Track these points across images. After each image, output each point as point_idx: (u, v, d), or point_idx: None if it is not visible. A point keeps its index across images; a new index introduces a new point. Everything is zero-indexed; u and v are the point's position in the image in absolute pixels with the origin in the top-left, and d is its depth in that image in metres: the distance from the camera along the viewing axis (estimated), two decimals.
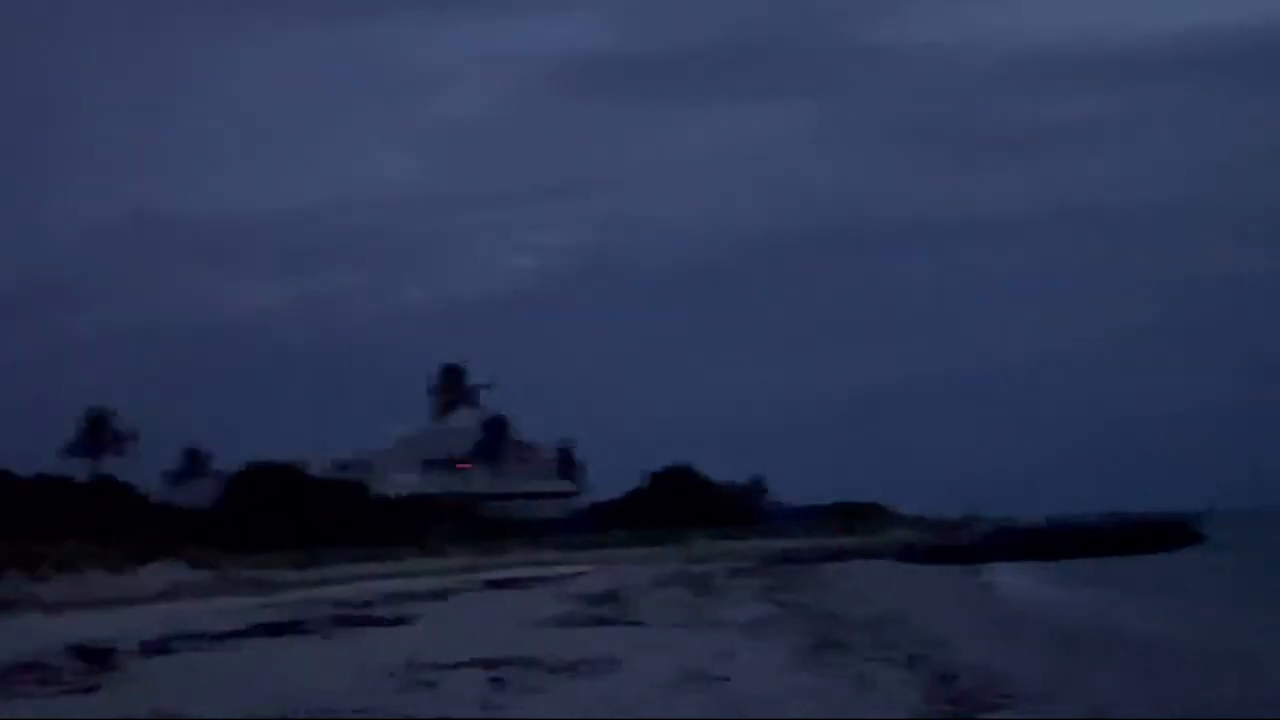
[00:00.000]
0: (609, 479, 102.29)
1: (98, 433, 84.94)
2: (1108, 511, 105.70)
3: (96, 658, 22.56)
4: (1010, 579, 54.72)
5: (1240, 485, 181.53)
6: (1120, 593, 43.93)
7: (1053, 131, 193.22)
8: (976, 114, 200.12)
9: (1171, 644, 25.11)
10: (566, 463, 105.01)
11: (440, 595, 38.86)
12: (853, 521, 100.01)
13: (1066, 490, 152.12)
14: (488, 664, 19.32)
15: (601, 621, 28.41)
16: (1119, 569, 63.12)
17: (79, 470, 77.87)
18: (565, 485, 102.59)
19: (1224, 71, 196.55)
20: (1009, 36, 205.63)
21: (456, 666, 19.05)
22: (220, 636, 25.99)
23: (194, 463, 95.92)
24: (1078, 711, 15.81)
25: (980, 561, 70.48)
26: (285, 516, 68.64)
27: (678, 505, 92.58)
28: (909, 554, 75.52)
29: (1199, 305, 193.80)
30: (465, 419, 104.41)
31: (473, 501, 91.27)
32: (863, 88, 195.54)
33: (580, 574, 51.97)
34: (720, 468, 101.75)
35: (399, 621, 28.57)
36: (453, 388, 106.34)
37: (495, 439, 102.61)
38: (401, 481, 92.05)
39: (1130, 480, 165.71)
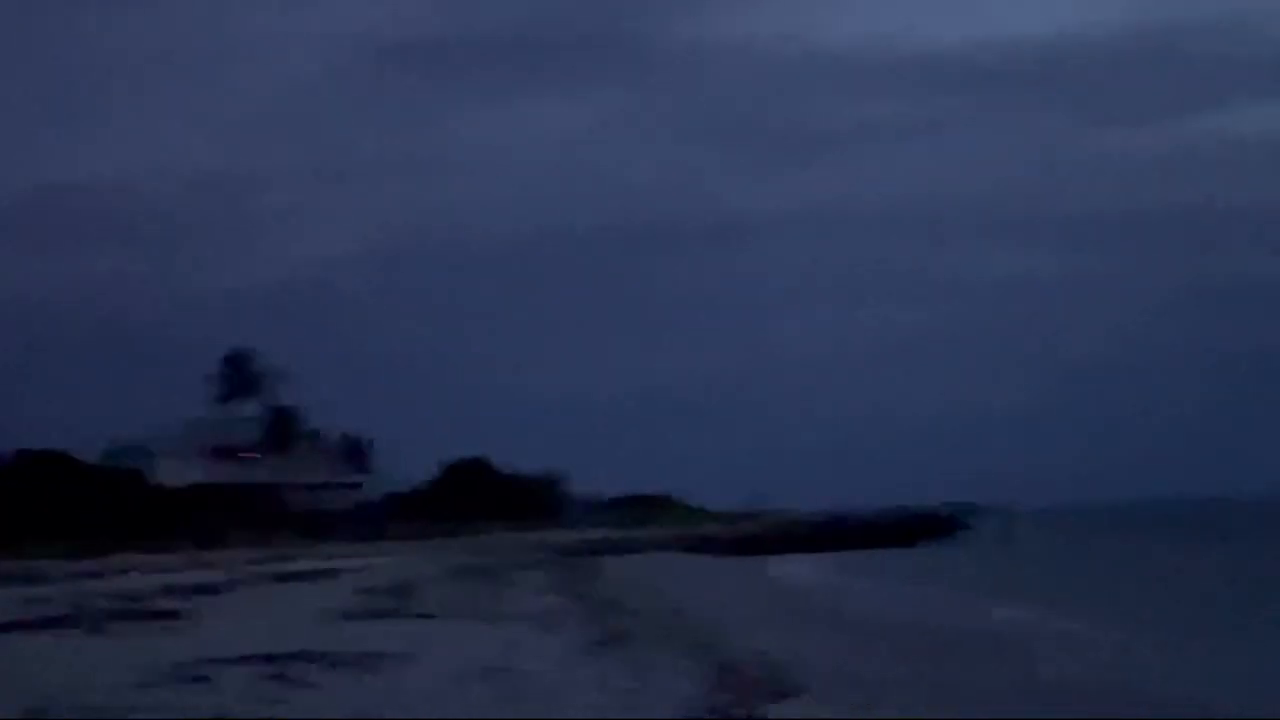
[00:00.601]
0: (402, 470, 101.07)
1: None
2: (883, 505, 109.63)
3: None
4: (791, 569, 56.30)
5: (1010, 482, 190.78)
6: (895, 582, 45.70)
7: (852, 133, 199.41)
8: (778, 113, 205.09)
9: (937, 629, 26.27)
10: (358, 453, 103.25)
11: (221, 588, 37.75)
12: (646, 514, 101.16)
13: (846, 484, 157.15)
14: (268, 658, 18.86)
15: (390, 614, 28.06)
16: (892, 560, 65.63)
17: None
18: (356, 476, 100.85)
19: (1014, 81, 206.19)
20: (810, 37, 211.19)
21: (235, 661, 18.54)
22: None
23: None
24: (857, 698, 16.38)
25: (766, 553, 72.32)
26: (56, 506, 65.62)
27: (472, 497, 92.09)
28: (699, 546, 76.91)
29: (982, 307, 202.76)
30: (252, 407, 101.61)
31: (258, 492, 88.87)
32: (668, 83, 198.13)
33: (370, 566, 51.22)
34: (516, 459, 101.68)
35: (175, 615, 27.64)
36: (239, 375, 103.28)
37: (283, 428, 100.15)
38: (182, 471, 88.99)
39: (903, 475, 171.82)
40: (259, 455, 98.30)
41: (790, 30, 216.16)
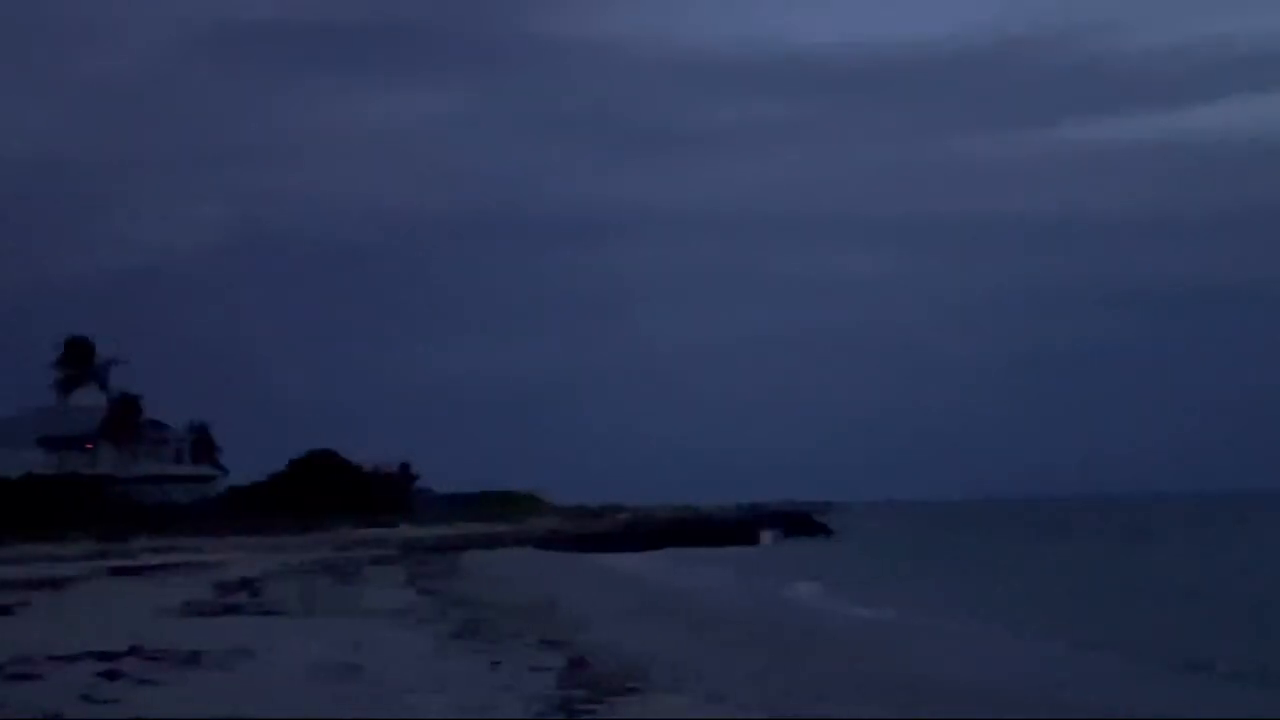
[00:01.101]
0: (250, 463, 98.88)
1: None
2: (737, 501, 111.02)
3: None
4: (645, 565, 56.62)
5: (872, 477, 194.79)
6: (747, 577, 46.29)
7: (710, 133, 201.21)
8: (636, 111, 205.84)
9: (786, 623, 26.68)
10: (203, 445, 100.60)
11: (57, 583, 36.39)
12: (502, 509, 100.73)
13: (701, 480, 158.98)
14: (103, 655, 18.21)
15: (233, 610, 27.37)
16: (747, 556, 66.50)
17: None
18: (201, 469, 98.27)
19: (869, 86, 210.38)
20: (671, 37, 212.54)
21: (68, 658, 17.85)
22: None
23: None
24: (706, 690, 16.48)
25: (621, 549, 72.61)
26: None
27: (322, 490, 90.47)
28: (555, 542, 76.85)
29: (832, 306, 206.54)
30: (92, 396, 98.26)
31: (98, 483, 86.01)
32: (524, 76, 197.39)
33: (214, 561, 49.91)
34: (369, 452, 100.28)
35: (7, 611, 26.54)
36: (79, 363, 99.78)
37: (124, 418, 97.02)
38: (18, 461, 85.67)
39: (758, 471, 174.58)
40: (99, 446, 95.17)
41: (652, 29, 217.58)
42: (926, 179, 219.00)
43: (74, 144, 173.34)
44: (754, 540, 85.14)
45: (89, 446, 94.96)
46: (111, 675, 16.55)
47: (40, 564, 47.42)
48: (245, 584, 35.69)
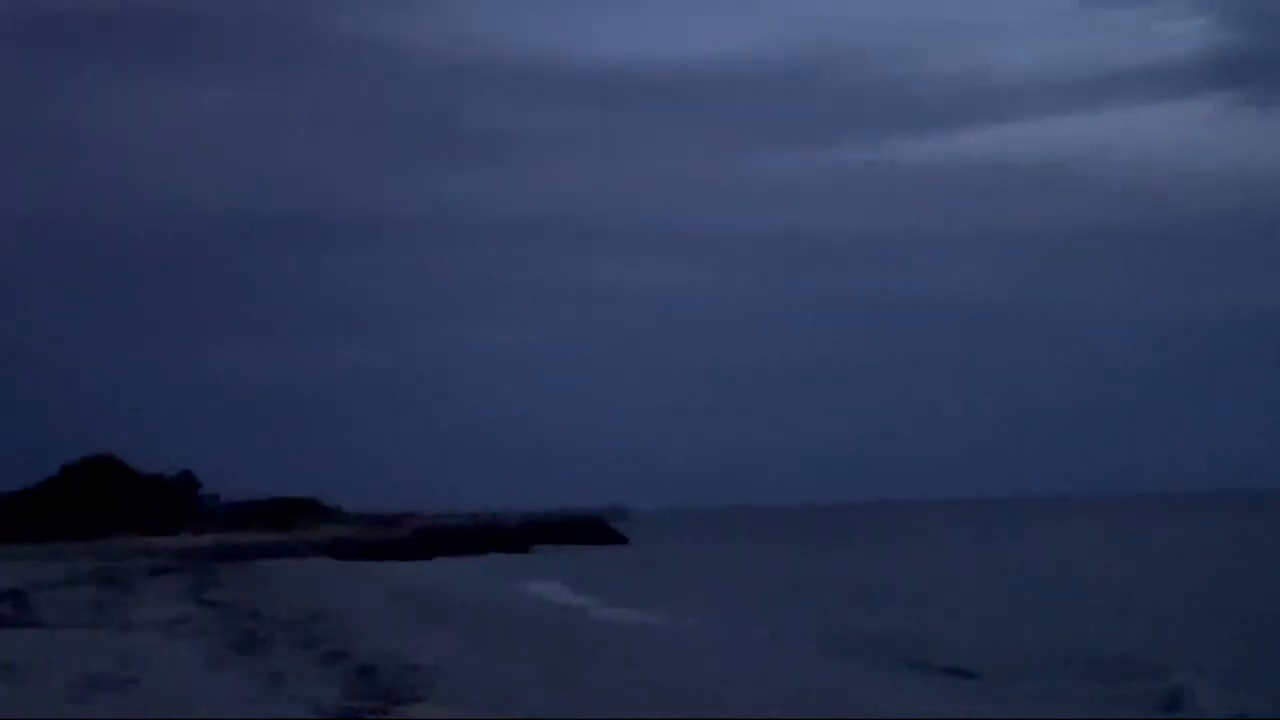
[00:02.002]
0: (19, 469, 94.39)
1: None
2: (534, 508, 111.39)
3: None
4: (436, 572, 56.41)
5: (662, 484, 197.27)
6: (536, 583, 46.67)
7: (512, 140, 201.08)
8: (430, 114, 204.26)
9: (573, 630, 27.14)
10: None
11: None
12: (290, 517, 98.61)
13: (495, 487, 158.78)
14: None
15: None
16: (539, 562, 66.90)
17: None
18: None
19: (678, 100, 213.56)
20: (479, 44, 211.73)
21: None
22: None
23: None
24: (488, 698, 16.75)
25: (411, 557, 72.06)
26: None
27: (97, 498, 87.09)
28: (346, 550, 75.73)
29: (636, 316, 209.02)
30: None
31: None
32: (316, 75, 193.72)
33: None
34: (151, 459, 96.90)
35: None
36: None
37: None
38: None
39: (555, 478, 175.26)
40: None
41: (453, 33, 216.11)
42: (723, 193, 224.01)
43: None
44: (556, 545, 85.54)
45: None
46: None
47: None
48: (10, 594, 34.29)
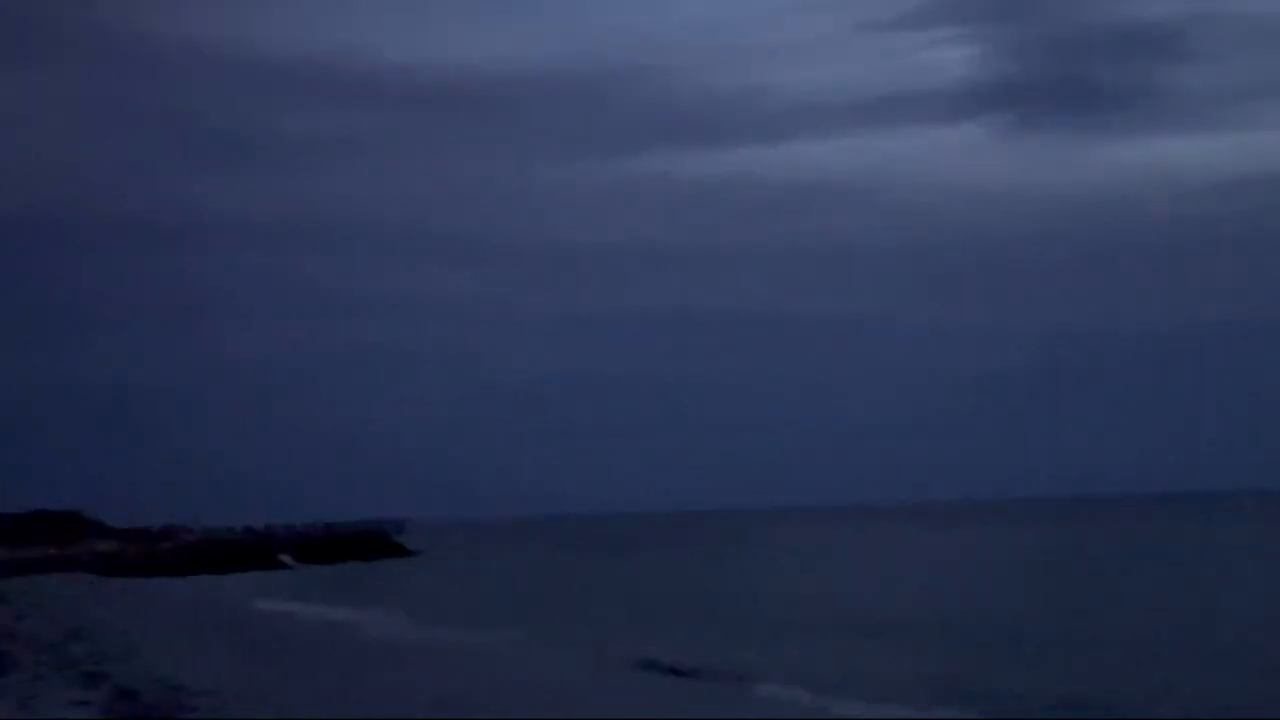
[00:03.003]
0: None
1: None
2: (314, 520, 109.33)
3: None
4: (210, 589, 54.93)
5: (447, 495, 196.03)
6: (311, 599, 46.00)
7: (280, 142, 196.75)
8: (210, 113, 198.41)
9: (348, 643, 26.95)
10: None
11: None
12: (49, 531, 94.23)
13: (274, 500, 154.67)
14: None
15: None
16: (316, 577, 65.78)
17: None
18: None
19: (456, 107, 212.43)
20: (254, 41, 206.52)
21: None
22: None
23: None
24: (257, 714, 16.59)
25: (185, 573, 69.88)
26: None
27: None
28: (108, 566, 72.91)
29: (422, 325, 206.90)
30: None
31: None
32: (94, 70, 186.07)
33: None
34: None
35: None
36: None
37: None
38: None
39: (337, 489, 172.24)
40: None
41: (235, 33, 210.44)
42: (508, 202, 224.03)
43: None
44: (335, 559, 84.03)
45: None
46: None
47: None
48: None
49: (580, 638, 28.86)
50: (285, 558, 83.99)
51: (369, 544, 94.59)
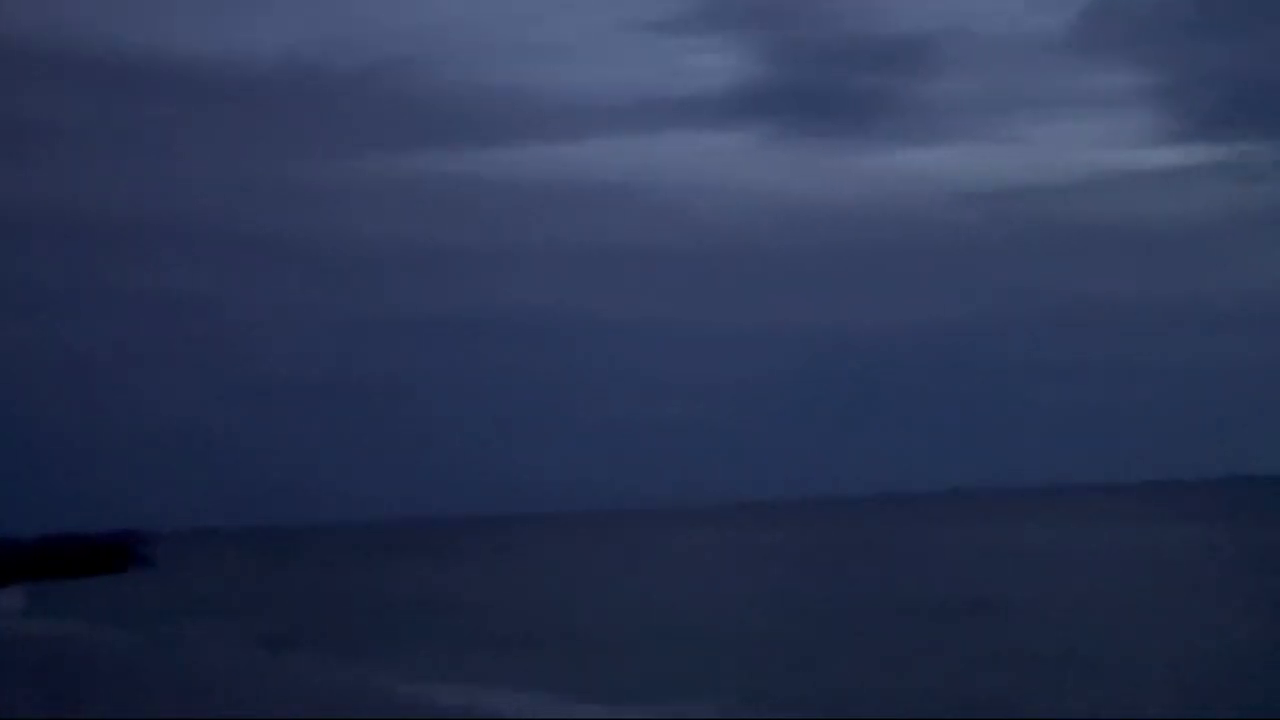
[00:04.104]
0: None
1: None
2: (45, 530, 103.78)
3: None
4: None
5: (196, 503, 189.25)
6: (59, 617, 43.98)
7: (26, 130, 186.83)
8: None
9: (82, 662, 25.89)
10: None
11: None
12: None
13: (11, 506, 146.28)
14: None
15: None
16: (59, 590, 62.75)
17: None
18: None
19: (202, 96, 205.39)
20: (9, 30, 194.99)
21: None
22: None
23: None
24: None
25: None
26: None
27: None
28: None
29: (148, 322, 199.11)
30: None
31: None
32: None
33: None
34: None
35: None
36: None
37: None
38: None
39: (80, 496, 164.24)
40: None
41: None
42: (270, 196, 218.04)
43: None
44: (66, 573, 79.96)
45: None
46: None
47: None
48: None
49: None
50: None
51: (104, 555, 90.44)
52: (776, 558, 65.09)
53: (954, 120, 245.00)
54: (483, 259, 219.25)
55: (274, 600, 49.83)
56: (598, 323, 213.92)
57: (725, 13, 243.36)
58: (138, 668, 25.90)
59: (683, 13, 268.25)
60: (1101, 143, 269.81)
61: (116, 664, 26.71)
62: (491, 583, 55.12)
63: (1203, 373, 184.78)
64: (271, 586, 60.70)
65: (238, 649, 28.98)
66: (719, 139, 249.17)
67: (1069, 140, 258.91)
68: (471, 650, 27.23)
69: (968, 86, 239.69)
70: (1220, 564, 43.48)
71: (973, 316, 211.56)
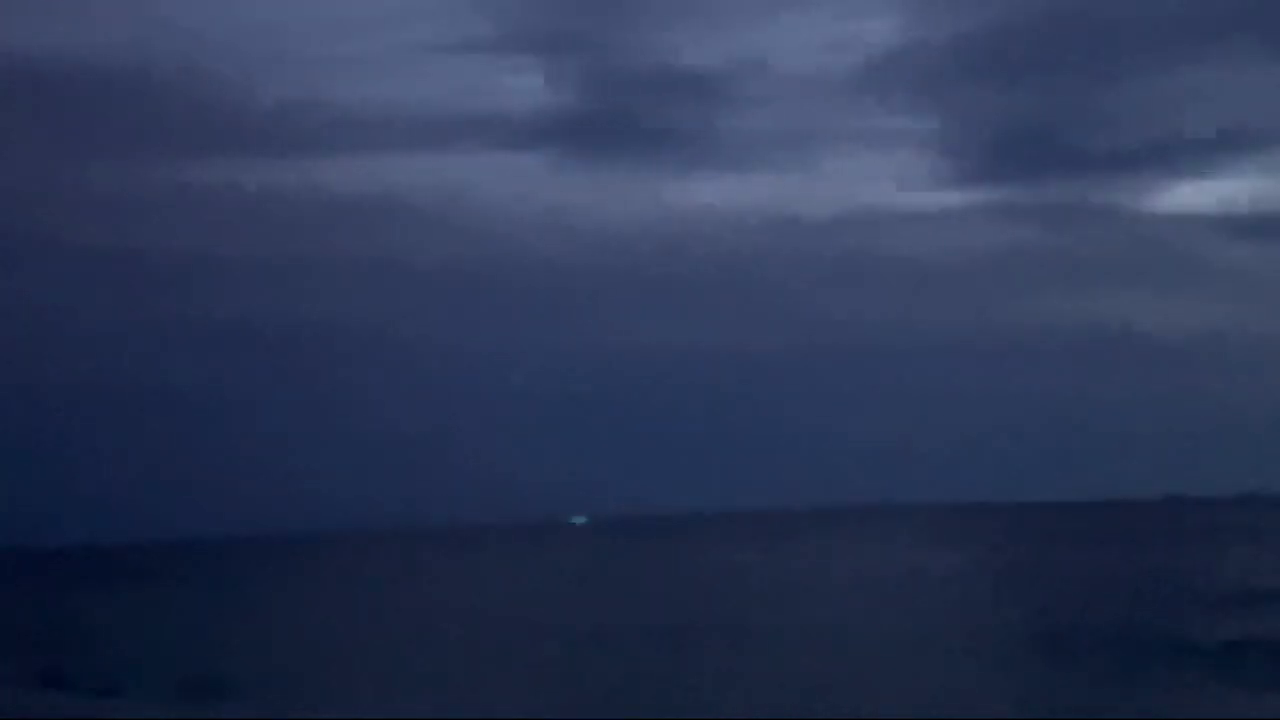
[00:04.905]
0: None
1: None
2: None
3: None
4: None
5: None
6: None
7: None
8: None
9: None
10: None
11: None
12: None
13: None
14: None
15: None
16: None
17: None
18: None
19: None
20: None
21: None
22: None
23: None
24: None
25: None
26: None
27: None
28: None
29: None
30: None
31: None
32: None
33: None
34: None
35: None
36: None
37: None
38: None
39: None
40: None
41: None
42: (38, 202, 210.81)
43: None
44: None
45: None
46: None
47: None
48: None
49: None
50: None
51: None
52: (526, 580, 66.25)
53: (747, 153, 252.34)
54: (276, 272, 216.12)
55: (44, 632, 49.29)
56: (388, 339, 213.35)
57: (533, 36, 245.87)
58: None
59: (491, 34, 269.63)
60: (882, 181, 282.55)
61: None
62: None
63: (963, 401, 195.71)
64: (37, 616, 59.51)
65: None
66: (520, 160, 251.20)
67: (853, 177, 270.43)
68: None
69: (763, 120, 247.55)
70: (962, 587, 45.95)
71: (756, 343, 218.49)
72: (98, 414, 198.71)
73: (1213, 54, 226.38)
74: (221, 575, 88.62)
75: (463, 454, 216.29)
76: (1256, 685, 23.18)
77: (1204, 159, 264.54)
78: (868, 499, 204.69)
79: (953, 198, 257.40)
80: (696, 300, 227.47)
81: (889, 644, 29.29)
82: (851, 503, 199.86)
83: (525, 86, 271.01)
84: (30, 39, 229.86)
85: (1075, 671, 25.28)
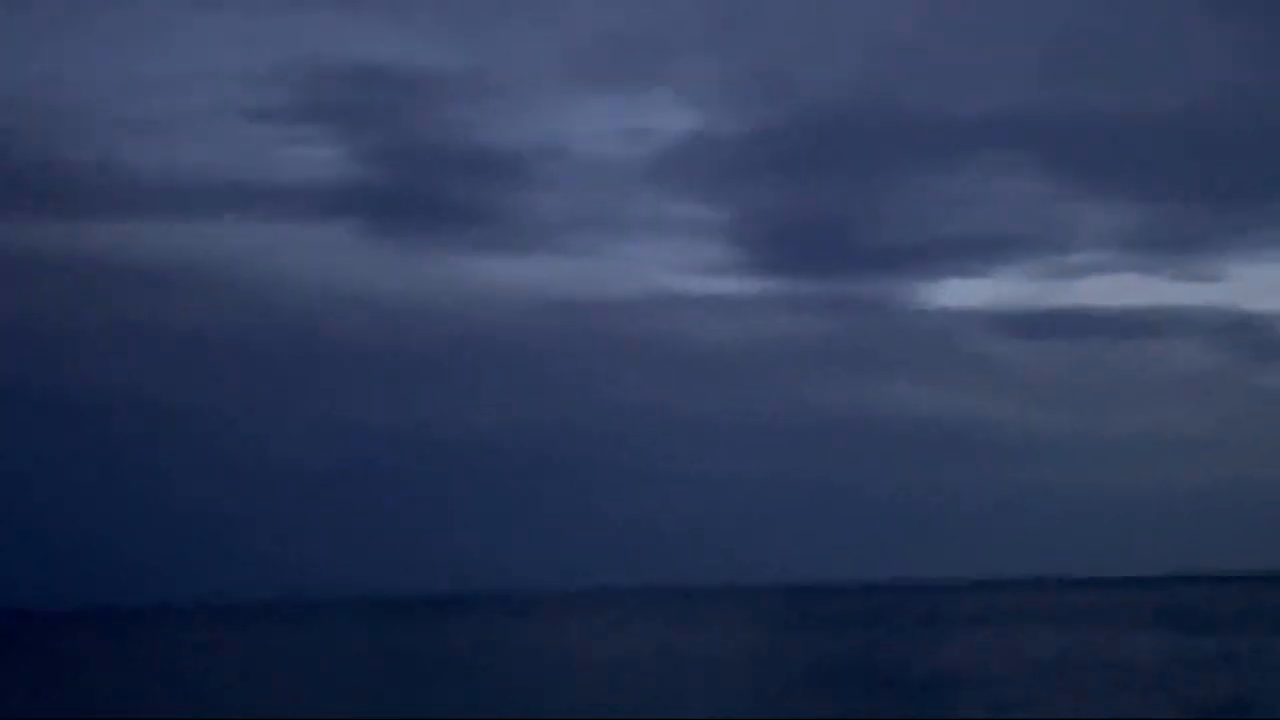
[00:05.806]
0: None
1: None
2: None
3: None
4: None
5: None
6: None
7: None
8: None
9: None
10: None
11: None
12: None
13: None
14: None
15: None
16: None
17: None
18: None
19: None
20: None
21: None
22: None
23: None
24: None
25: None
26: None
27: None
28: None
29: None
30: None
31: None
32: None
33: None
34: None
35: None
36: None
37: None
38: None
39: None
40: None
41: None
42: None
43: None
44: None
45: None
46: None
47: None
48: None
49: None
50: None
51: None
52: (316, 659, 67.68)
53: (539, 234, 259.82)
54: (49, 340, 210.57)
55: None
56: (161, 408, 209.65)
57: (327, 108, 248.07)
58: None
59: (284, 103, 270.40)
60: (670, 267, 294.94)
61: None
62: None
63: (732, 482, 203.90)
64: None
65: None
66: (309, 232, 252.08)
67: (643, 262, 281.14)
68: None
69: (559, 202, 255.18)
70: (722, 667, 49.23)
71: (538, 421, 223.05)
72: None
73: (989, 162, 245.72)
74: None
75: (219, 529, 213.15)
76: None
77: (974, 259, 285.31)
78: (630, 581, 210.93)
79: (738, 285, 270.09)
80: (478, 379, 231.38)
81: None
82: (612, 584, 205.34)
83: (319, 157, 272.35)
84: None
85: None
